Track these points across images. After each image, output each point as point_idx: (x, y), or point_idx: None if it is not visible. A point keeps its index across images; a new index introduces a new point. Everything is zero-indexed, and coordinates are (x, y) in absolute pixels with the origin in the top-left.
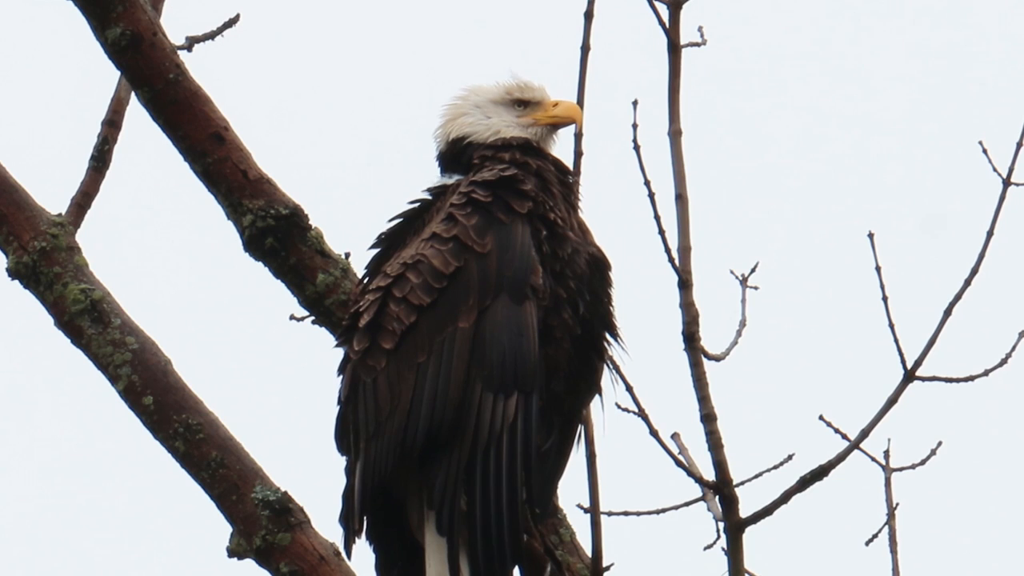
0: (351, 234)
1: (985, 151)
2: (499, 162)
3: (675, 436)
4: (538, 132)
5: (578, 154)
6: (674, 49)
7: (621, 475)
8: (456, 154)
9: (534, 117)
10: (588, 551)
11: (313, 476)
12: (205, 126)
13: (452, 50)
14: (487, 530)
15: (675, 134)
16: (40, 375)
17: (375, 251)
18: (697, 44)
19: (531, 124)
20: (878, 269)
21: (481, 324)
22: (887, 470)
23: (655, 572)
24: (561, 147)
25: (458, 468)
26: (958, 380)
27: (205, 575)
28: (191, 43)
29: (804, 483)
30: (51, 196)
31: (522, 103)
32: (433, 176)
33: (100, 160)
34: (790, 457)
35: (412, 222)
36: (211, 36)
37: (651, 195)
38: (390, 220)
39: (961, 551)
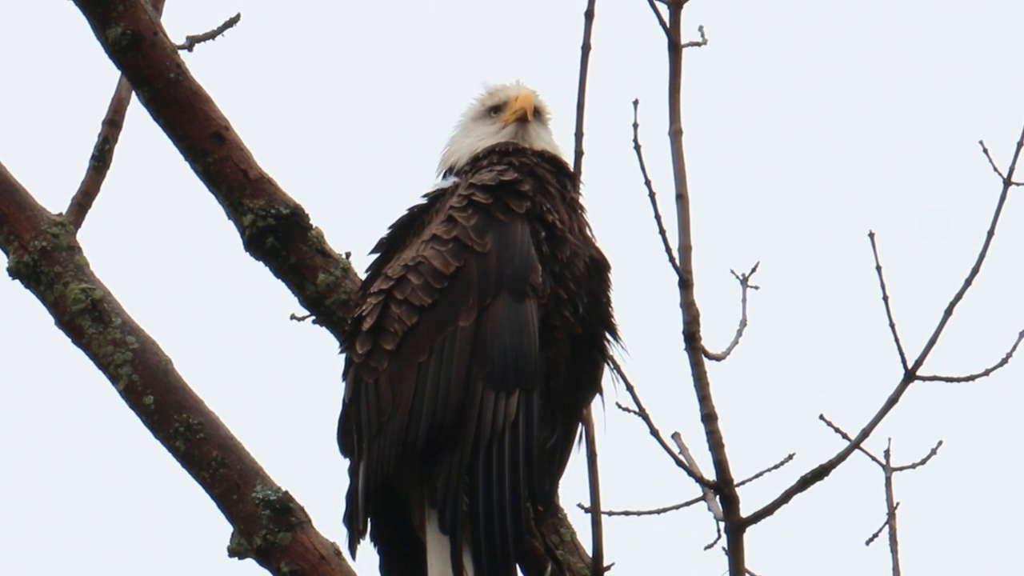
0: (351, 234)
1: (985, 151)
2: (495, 164)
3: (676, 436)
4: (510, 132)
5: (578, 154)
6: (674, 49)
7: (622, 475)
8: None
9: (503, 119)
10: (589, 551)
11: (314, 476)
12: (206, 126)
13: (453, 50)
14: (489, 528)
15: (675, 134)
16: (40, 375)
17: (375, 255)
18: (697, 44)
19: (501, 128)
20: (878, 269)
21: (482, 323)
22: (887, 470)
23: (655, 572)
24: (562, 147)
25: (460, 467)
26: (958, 380)
27: (205, 575)
28: (192, 43)
29: (804, 483)
30: (52, 196)
31: (496, 109)
32: (429, 178)
33: (101, 160)
34: (790, 457)
35: (411, 225)
36: (212, 36)
37: (651, 195)
38: (390, 226)
39: (961, 551)
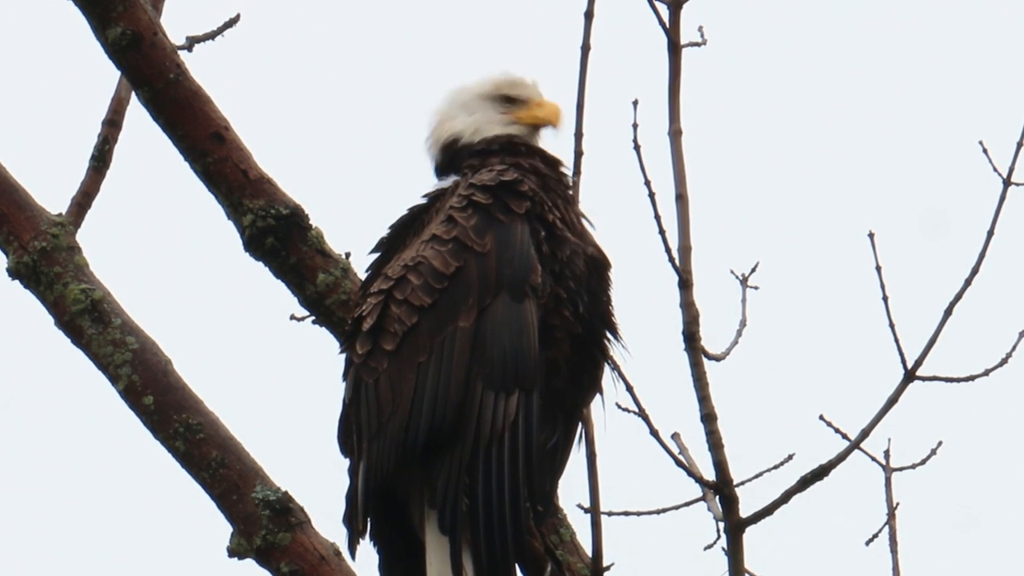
0: (351, 234)
1: (985, 151)
2: (496, 164)
3: (675, 436)
4: (520, 130)
5: (578, 154)
6: (674, 49)
7: (621, 475)
8: (449, 158)
9: (517, 116)
10: (588, 551)
11: (314, 476)
12: (205, 126)
13: (452, 50)
14: (489, 528)
15: (675, 134)
16: (40, 375)
17: (375, 255)
18: (697, 44)
19: (512, 122)
20: (878, 269)
21: (481, 323)
22: (887, 470)
23: (655, 572)
24: (561, 148)
25: (460, 467)
26: (958, 380)
27: (205, 575)
28: (191, 43)
29: (804, 483)
30: (51, 196)
31: (509, 100)
32: (430, 178)
33: (100, 160)
34: (790, 457)
35: (411, 225)
36: (211, 36)
37: (651, 195)
38: (390, 227)
39: (961, 551)
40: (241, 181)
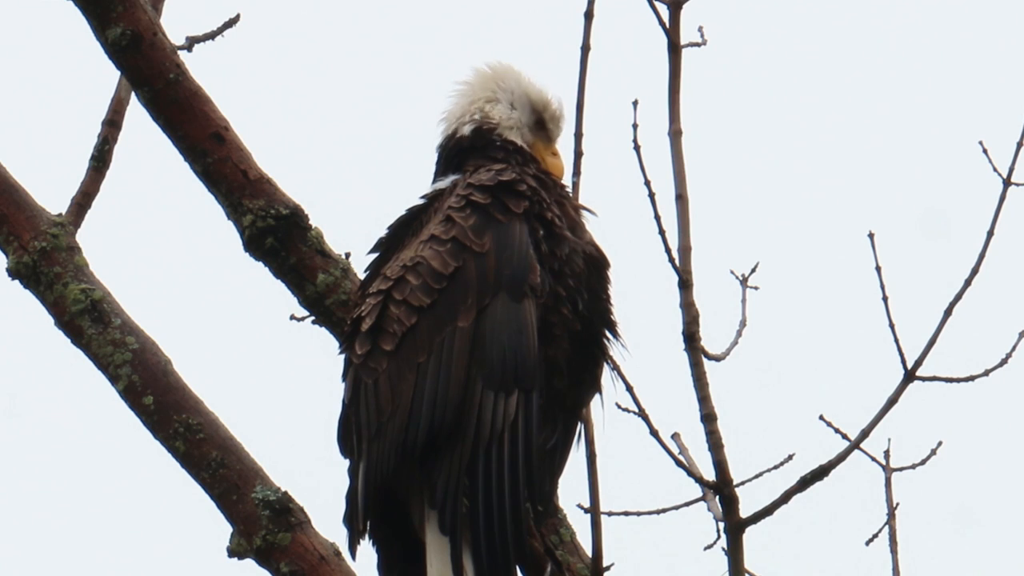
0: (351, 234)
1: (985, 151)
2: (497, 164)
3: (675, 436)
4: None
5: (578, 154)
6: (674, 49)
7: (621, 475)
8: (471, 142)
9: (536, 142)
10: (588, 551)
11: (314, 476)
12: (205, 126)
13: (453, 50)
14: (489, 529)
15: (675, 134)
16: (40, 375)
17: (374, 255)
18: (697, 44)
19: (530, 143)
20: (878, 269)
21: (480, 323)
22: (887, 470)
23: (655, 572)
24: (561, 148)
25: (460, 467)
26: (958, 380)
27: (205, 575)
28: (191, 43)
29: (804, 483)
30: (51, 196)
31: (540, 123)
32: (429, 179)
33: (100, 160)
34: (790, 457)
35: (409, 225)
36: (211, 36)
37: (651, 195)
38: (388, 227)
39: (961, 551)
40: (241, 181)
